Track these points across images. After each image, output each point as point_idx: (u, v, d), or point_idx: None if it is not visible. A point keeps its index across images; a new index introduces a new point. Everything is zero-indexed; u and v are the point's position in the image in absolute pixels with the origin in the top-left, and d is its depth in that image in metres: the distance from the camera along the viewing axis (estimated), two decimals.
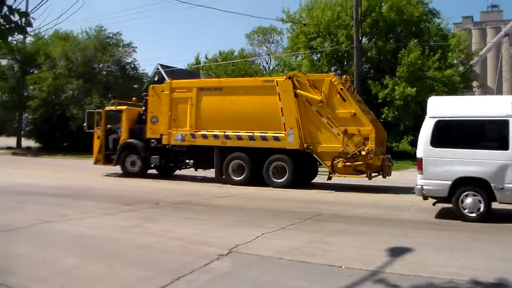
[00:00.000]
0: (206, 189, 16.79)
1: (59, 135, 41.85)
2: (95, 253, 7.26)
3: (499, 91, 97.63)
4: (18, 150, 43.83)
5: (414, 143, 34.25)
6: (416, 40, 34.02)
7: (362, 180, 17.16)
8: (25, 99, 42.92)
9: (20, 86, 44.52)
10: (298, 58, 39.57)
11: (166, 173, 20.80)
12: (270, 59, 62.14)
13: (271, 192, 16.21)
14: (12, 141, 48.71)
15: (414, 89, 30.40)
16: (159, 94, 19.78)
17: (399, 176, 21.41)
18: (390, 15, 34.06)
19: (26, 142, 47.31)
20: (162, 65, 54.71)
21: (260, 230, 8.95)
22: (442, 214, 11.90)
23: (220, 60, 60.89)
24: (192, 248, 7.57)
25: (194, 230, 9.04)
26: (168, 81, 20.52)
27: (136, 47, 46.94)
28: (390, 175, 18.14)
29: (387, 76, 33.22)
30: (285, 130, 17.33)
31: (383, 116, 32.86)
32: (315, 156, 17.12)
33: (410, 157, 32.78)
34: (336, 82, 17.28)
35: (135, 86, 46.90)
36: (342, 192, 16.47)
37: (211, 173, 18.97)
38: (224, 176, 18.21)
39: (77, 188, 16.09)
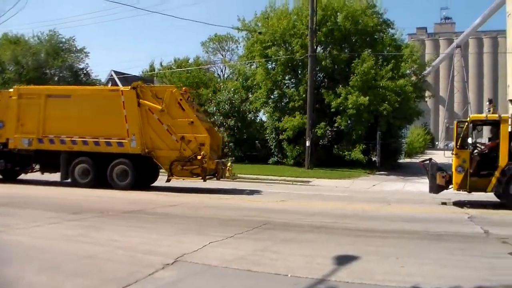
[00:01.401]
0: (153, 197, 16.62)
1: None
2: (38, 264, 7.06)
3: (451, 101, 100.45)
4: None
5: (366, 152, 35.04)
6: (370, 50, 34.58)
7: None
8: None
9: None
10: (252, 67, 39.71)
11: (11, 177, 20.86)
12: (225, 67, 62.25)
13: (220, 201, 16.22)
14: None
15: (367, 98, 30.90)
16: (6, 100, 20.04)
17: (350, 184, 21.65)
18: (345, 25, 34.54)
19: None
20: (116, 72, 54.13)
21: (207, 238, 8.89)
22: (387, 221, 12.15)
23: (174, 67, 60.62)
24: (137, 257, 7.46)
25: (140, 239, 8.92)
26: (16, 87, 21.65)
27: (89, 53, 46.66)
28: (224, 177, 20.42)
29: (340, 85, 33.62)
30: (128, 136, 18.64)
31: (336, 124, 33.33)
32: (155, 160, 18.68)
33: (361, 166, 33.34)
34: (176, 93, 18.94)
35: None
36: (291, 201, 16.60)
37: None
38: (70, 180, 19.04)
39: (18, 196, 15.70)
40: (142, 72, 68.13)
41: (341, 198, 17.76)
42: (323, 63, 34.61)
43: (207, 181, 18.74)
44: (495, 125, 16.28)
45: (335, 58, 34.92)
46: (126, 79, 53.19)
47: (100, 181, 18.67)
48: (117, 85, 52.62)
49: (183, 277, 6.51)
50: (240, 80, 41.19)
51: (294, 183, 23.69)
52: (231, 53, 67.02)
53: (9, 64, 42.24)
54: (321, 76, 37.61)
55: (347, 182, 23.91)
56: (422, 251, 8.56)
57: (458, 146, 16.15)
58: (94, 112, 19.00)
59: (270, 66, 37.67)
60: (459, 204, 16.26)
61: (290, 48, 35.97)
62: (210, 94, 44.11)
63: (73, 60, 44.60)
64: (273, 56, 36.31)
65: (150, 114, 18.58)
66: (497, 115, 15.94)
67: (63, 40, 44.28)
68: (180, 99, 18.63)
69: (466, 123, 16.37)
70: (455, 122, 17.32)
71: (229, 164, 21.84)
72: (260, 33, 37.16)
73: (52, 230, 9.75)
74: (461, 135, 16.20)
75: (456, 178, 15.87)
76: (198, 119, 18.88)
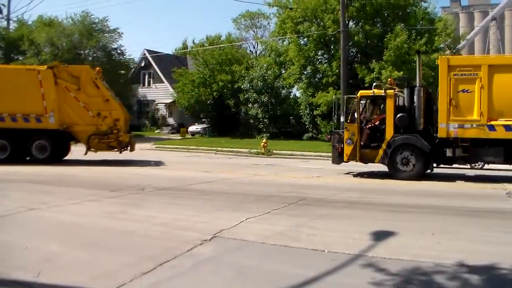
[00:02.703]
0: (190, 174, 16.82)
1: None
2: (79, 240, 7.22)
3: None
4: None
5: None
6: (402, 24, 34.00)
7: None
8: None
9: None
10: (285, 43, 39.45)
11: None
12: (257, 44, 62.00)
13: (256, 177, 16.33)
14: None
15: (401, 73, 30.40)
16: None
17: None
18: None
19: None
20: (148, 50, 54.38)
21: (244, 215, 8.96)
22: (420, 197, 12.07)
23: (207, 44, 60.60)
24: (175, 233, 7.56)
25: (178, 215, 9.03)
26: None
27: (122, 33, 46.70)
28: (134, 150, 21.86)
29: (373, 60, 33.21)
30: (46, 113, 19.75)
31: None
32: (73, 135, 20.49)
33: None
34: (91, 73, 20.55)
35: (121, 71, 46.64)
36: (326, 177, 16.58)
37: None
38: None
39: (56, 175, 16.09)
40: (175, 50, 68.39)
41: (375, 174, 17.63)
42: (355, 38, 34.20)
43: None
44: (382, 100, 17.19)
45: (367, 33, 34.47)
46: (159, 57, 53.47)
47: (20, 156, 19.82)
48: (150, 64, 53.06)
49: (221, 252, 6.57)
50: (273, 56, 40.99)
51: (328, 158, 23.56)
52: (263, 30, 66.69)
53: (44, 46, 42.70)
54: (353, 51, 37.21)
55: None
56: (458, 227, 8.47)
57: (348, 120, 17.60)
58: (12, 89, 19.72)
59: (302, 42, 37.39)
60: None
61: (322, 24, 35.63)
62: (243, 71, 44.03)
63: (107, 40, 44.82)
64: (305, 32, 36.01)
65: (67, 92, 19.92)
66: (383, 90, 16.96)
67: (96, 20, 44.55)
68: (95, 78, 20.34)
69: (355, 99, 17.76)
70: (345, 97, 19.44)
71: (264, 140, 21.96)
72: (291, 8, 36.85)
73: (91, 208, 9.95)
74: (351, 110, 17.74)
75: (346, 150, 17.16)
76: (112, 97, 20.74)
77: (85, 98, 19.98)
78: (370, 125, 17.41)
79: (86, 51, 44.27)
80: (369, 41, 35.25)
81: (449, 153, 15.99)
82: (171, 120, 53.96)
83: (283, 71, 39.81)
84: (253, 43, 64.47)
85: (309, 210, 10.03)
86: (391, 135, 16.48)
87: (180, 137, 44.14)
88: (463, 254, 6.41)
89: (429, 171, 16.43)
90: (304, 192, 12.44)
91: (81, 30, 42.76)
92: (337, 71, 33.07)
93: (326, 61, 37.24)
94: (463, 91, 15.61)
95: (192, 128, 47.85)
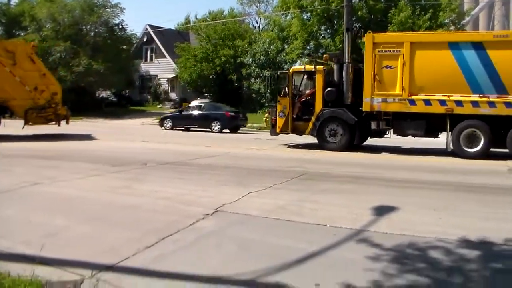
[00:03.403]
0: (193, 149, 16.88)
1: None
2: (83, 215, 7.25)
3: None
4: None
5: None
6: None
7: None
8: None
9: None
10: (288, 18, 39.16)
11: None
12: (260, 19, 61.57)
13: (258, 152, 16.34)
14: None
15: None
16: None
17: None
18: None
19: None
20: (151, 26, 54.04)
21: (246, 189, 8.98)
22: (426, 172, 12.07)
23: (210, 20, 60.22)
24: (178, 208, 7.58)
25: (181, 190, 9.05)
26: None
27: (124, 8, 46.38)
28: (69, 123, 22.18)
29: None
30: None
31: None
32: (10, 109, 20.36)
33: None
34: (27, 48, 20.71)
35: (124, 47, 46.45)
36: (329, 152, 16.54)
37: None
38: None
39: (64, 149, 16.15)
40: (178, 25, 67.99)
41: (379, 148, 17.64)
42: (359, 13, 33.93)
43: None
44: (313, 75, 18.37)
45: (371, 8, 34.18)
46: (162, 32, 53.14)
47: None
48: (152, 39, 52.75)
49: (223, 226, 6.59)
50: (276, 31, 40.74)
51: None
52: (266, 4, 66.31)
53: (45, 21, 42.51)
54: (357, 26, 36.89)
55: None
56: (461, 203, 8.48)
57: (281, 95, 18.65)
58: None
59: (305, 17, 37.12)
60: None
61: None
62: (245, 46, 43.82)
63: (108, 15, 44.53)
64: (308, 6, 35.71)
65: (2, 67, 19.57)
66: (313, 66, 18.29)
67: None
68: (32, 53, 20.46)
69: (287, 74, 18.89)
70: (278, 73, 20.22)
71: (266, 115, 21.95)
72: None
73: (95, 182, 9.97)
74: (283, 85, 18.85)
75: (279, 122, 18.50)
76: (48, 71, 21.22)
77: (21, 73, 19.92)
78: (301, 99, 18.62)
79: (88, 27, 44.01)
80: (372, 16, 34.98)
81: (373, 125, 17.02)
82: (173, 95, 53.81)
83: (286, 46, 39.59)
84: (256, 18, 64.13)
85: (311, 184, 10.05)
86: (320, 109, 17.60)
87: None
88: (464, 230, 6.41)
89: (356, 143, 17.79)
90: (307, 167, 12.49)
91: (82, 5, 42.47)
92: (340, 46, 32.84)
93: (330, 36, 36.99)
94: (386, 67, 16.46)
95: (194, 103, 47.73)
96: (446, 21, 35.00)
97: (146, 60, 55.25)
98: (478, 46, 15.52)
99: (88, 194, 8.82)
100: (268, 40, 41.26)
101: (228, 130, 28.34)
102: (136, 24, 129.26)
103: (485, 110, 15.46)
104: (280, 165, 13.01)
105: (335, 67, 18.13)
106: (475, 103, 15.55)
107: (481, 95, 15.50)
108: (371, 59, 16.60)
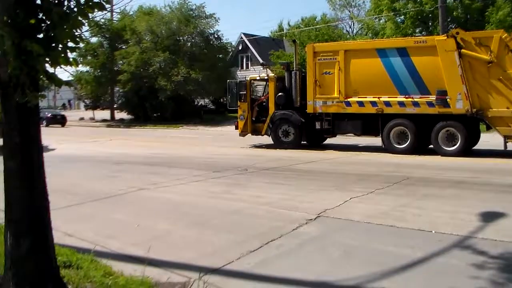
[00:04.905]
0: (292, 154, 16.91)
1: (149, 107, 43.28)
2: (186, 219, 7.45)
3: None
4: (112, 122, 45.92)
5: None
6: None
7: None
8: (115, 74, 44.52)
9: (110, 62, 46.28)
10: (381, 21, 38.53)
11: None
12: (353, 23, 60.85)
13: (357, 156, 16.13)
14: (106, 114, 50.93)
15: None
16: None
17: (491, 138, 20.35)
18: None
19: (118, 115, 49.29)
20: (245, 34, 54.82)
21: (348, 194, 8.92)
22: None
23: (302, 26, 60.28)
24: (280, 213, 7.62)
25: (282, 195, 9.10)
26: None
27: (219, 18, 47.25)
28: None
29: None
30: None
31: None
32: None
33: None
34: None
35: (220, 56, 47.39)
36: (429, 156, 16.02)
37: None
38: None
39: (167, 157, 16.71)
40: (271, 33, 68.58)
41: (486, 152, 16.82)
42: (454, 13, 32.84)
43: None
44: (266, 82, 20.36)
45: (467, 7, 32.99)
46: (256, 40, 53.79)
47: None
48: (247, 47, 53.46)
49: (326, 232, 6.57)
50: (369, 35, 40.18)
51: None
52: (358, 9, 65.40)
53: (145, 34, 44.29)
54: (453, 27, 35.58)
55: (488, 136, 22.52)
56: None
57: (241, 100, 20.43)
58: None
59: (399, 20, 36.37)
60: None
61: (418, 0, 34.33)
62: None
63: (204, 26, 45.55)
64: (401, 9, 34.97)
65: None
66: (266, 75, 20.42)
67: (193, 7, 45.43)
68: None
69: (246, 81, 20.91)
70: (238, 82, 22.06)
71: None
72: None
73: (197, 188, 10.24)
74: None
75: (240, 124, 20.69)
76: None
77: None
78: (258, 103, 20.66)
79: (185, 37, 45.31)
80: (469, 16, 33.67)
81: (318, 125, 18.63)
82: None
83: None
84: (349, 22, 63.45)
85: (413, 189, 9.80)
86: (272, 112, 19.54)
87: None
88: None
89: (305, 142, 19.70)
90: (407, 172, 12.18)
91: (179, 17, 43.81)
92: None
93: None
94: (325, 73, 18.22)
95: None
96: None
97: (242, 68, 56.06)
98: (402, 52, 16.81)
99: (191, 198, 9.09)
100: None
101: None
102: (231, 32, 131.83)
103: (410, 110, 16.71)
104: (379, 170, 12.84)
105: (285, 74, 19.92)
106: (401, 103, 16.82)
107: (406, 96, 16.74)
108: (312, 67, 18.47)
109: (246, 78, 21.37)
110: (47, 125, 38.85)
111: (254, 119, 20.46)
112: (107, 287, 4.32)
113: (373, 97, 17.23)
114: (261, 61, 53.44)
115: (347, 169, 13.21)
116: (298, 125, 19.02)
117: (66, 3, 3.58)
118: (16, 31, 3.42)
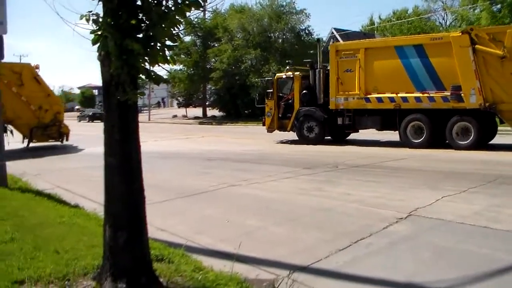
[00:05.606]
0: (382, 151, 16.77)
1: (240, 104, 43.88)
2: (276, 215, 7.52)
3: None
4: (204, 119, 46.98)
5: None
6: None
7: None
8: (207, 72, 45.55)
9: (203, 60, 47.39)
10: (476, 11, 36.94)
11: None
12: (447, 14, 58.70)
13: (449, 153, 15.61)
14: (198, 111, 52.25)
15: None
16: None
17: None
18: None
19: (210, 112, 50.37)
20: (336, 29, 54.41)
21: (439, 193, 8.69)
22: None
23: (394, 19, 58.96)
24: (370, 211, 7.56)
25: (372, 193, 9.01)
26: None
27: (309, 14, 47.13)
28: (68, 140, 21.88)
29: None
30: None
31: None
32: (15, 129, 19.78)
33: None
34: (32, 70, 20.75)
35: (311, 51, 47.30)
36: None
37: None
38: None
39: (257, 154, 16.95)
40: (362, 27, 67.60)
41: None
42: None
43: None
44: (292, 81, 21.47)
45: None
46: (347, 35, 53.25)
47: None
48: (338, 42, 52.99)
49: (417, 231, 6.45)
50: (464, 26, 38.62)
51: None
52: (452, 0, 62.93)
53: (237, 32, 45.01)
54: None
55: None
56: None
57: (268, 98, 21.87)
58: None
59: (495, 9, 34.68)
60: None
61: None
62: None
63: (295, 22, 45.65)
64: None
65: (8, 90, 18.90)
66: (291, 73, 21.62)
67: (284, 3, 45.63)
68: (37, 75, 20.71)
69: (273, 80, 22.49)
70: (265, 79, 24.28)
71: None
72: None
73: (287, 184, 10.33)
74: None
75: (267, 121, 21.97)
76: None
77: (26, 94, 20.13)
78: (284, 101, 21.61)
79: (276, 34, 45.59)
80: None
81: (339, 121, 19.62)
82: None
83: None
84: (442, 14, 61.19)
85: (509, 189, 9.41)
86: (297, 108, 20.66)
87: None
88: None
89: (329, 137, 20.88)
90: (503, 170, 11.65)
91: (269, 14, 44.15)
92: None
93: None
94: (347, 70, 19.21)
95: None
96: None
97: None
98: (419, 49, 17.47)
99: (281, 195, 9.17)
100: None
101: None
102: (322, 27, 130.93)
103: (426, 105, 17.37)
104: (471, 168, 12.46)
105: (310, 72, 20.96)
106: (418, 99, 17.51)
107: (422, 92, 17.36)
108: (335, 65, 19.58)
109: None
110: (89, 121, 52.73)
111: (280, 115, 21.55)
112: (197, 281, 4.42)
113: (391, 93, 18.04)
114: None
115: (436, 167, 12.90)
116: (321, 121, 20.04)
117: (164, 2, 3.72)
118: (119, 31, 3.61)
